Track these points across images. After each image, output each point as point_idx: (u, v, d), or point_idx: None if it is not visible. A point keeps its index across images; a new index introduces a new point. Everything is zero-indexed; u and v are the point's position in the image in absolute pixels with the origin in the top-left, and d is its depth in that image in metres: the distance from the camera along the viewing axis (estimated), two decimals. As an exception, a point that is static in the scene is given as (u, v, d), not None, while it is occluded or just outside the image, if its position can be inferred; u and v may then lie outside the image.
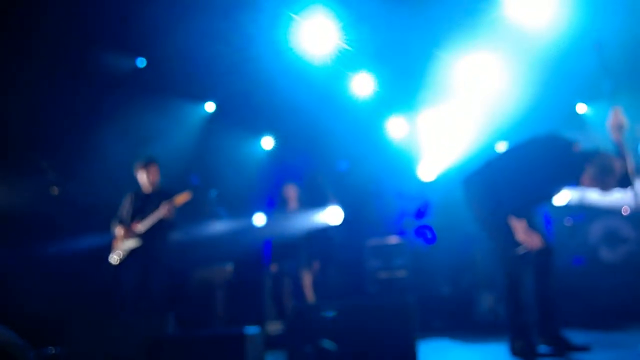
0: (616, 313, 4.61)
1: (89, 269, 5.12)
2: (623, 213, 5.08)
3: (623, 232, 4.96)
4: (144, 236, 4.56)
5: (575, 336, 3.41)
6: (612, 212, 5.06)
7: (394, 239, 6.12)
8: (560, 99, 6.29)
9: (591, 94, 6.19)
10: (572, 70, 5.59)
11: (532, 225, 3.27)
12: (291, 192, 5.49)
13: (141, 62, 6.14)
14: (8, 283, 4.99)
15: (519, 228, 3.20)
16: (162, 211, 4.50)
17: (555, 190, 3.51)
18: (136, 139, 5.95)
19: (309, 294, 5.20)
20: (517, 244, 3.22)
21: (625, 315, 4.53)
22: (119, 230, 4.66)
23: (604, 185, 3.20)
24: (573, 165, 3.25)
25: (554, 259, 3.50)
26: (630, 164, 3.22)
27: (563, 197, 5.38)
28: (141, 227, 4.56)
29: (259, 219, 6.62)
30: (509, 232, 3.23)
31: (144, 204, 4.66)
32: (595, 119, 6.29)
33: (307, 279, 5.24)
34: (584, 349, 3.29)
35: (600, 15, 4.94)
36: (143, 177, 4.74)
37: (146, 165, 4.72)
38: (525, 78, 5.80)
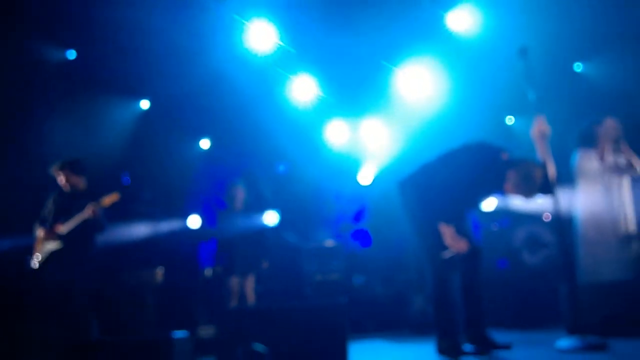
0: (535, 312, 4.90)
1: (7, 273, 4.80)
2: (544, 219, 5.40)
3: (543, 237, 5.29)
4: (67, 238, 4.32)
5: (498, 335, 3.57)
6: (534, 219, 5.38)
7: (330, 242, 6.18)
8: (493, 110, 6.58)
9: (521, 106, 6.51)
10: (504, 81, 5.86)
11: (461, 230, 3.37)
12: (239, 193, 5.40)
13: (71, 54, 5.85)
14: None
15: (447, 233, 3.29)
16: (87, 212, 4.29)
17: (483, 196, 3.65)
18: (65, 135, 5.66)
19: (250, 296, 5.14)
20: (445, 247, 3.32)
21: (543, 314, 4.82)
22: (39, 232, 4.41)
23: (526, 192, 3.34)
24: (498, 173, 3.37)
25: (481, 262, 3.64)
26: (552, 172, 3.39)
27: (491, 203, 5.66)
28: (64, 228, 4.32)
29: (193, 221, 6.47)
30: (438, 236, 3.32)
31: (69, 204, 4.42)
32: (524, 128, 6.64)
33: (249, 282, 5.16)
34: (505, 347, 3.43)
35: (528, 24, 5.22)
36: (59, 180, 4.54)
37: (61, 168, 4.51)
38: (459, 88, 6.05)
